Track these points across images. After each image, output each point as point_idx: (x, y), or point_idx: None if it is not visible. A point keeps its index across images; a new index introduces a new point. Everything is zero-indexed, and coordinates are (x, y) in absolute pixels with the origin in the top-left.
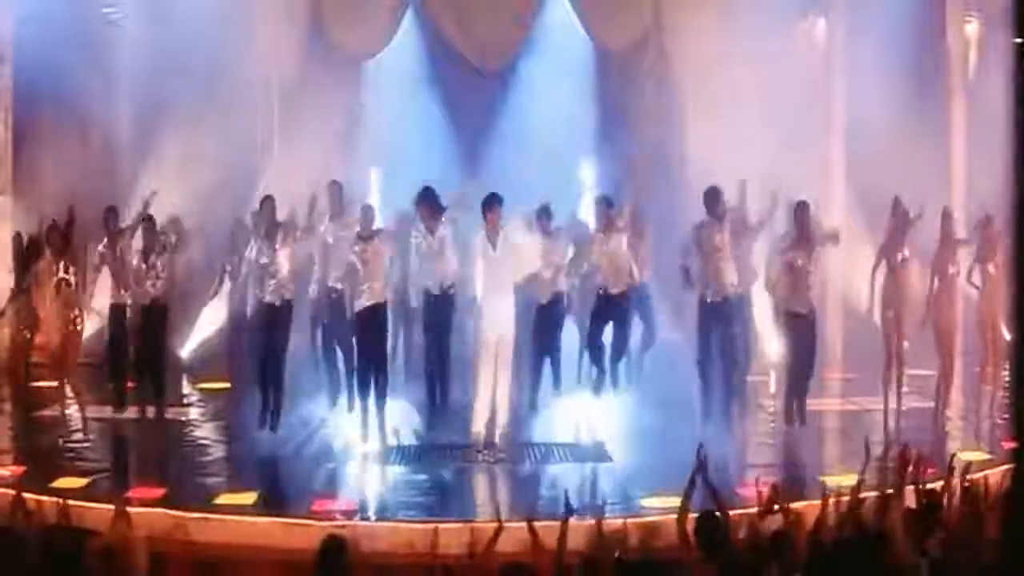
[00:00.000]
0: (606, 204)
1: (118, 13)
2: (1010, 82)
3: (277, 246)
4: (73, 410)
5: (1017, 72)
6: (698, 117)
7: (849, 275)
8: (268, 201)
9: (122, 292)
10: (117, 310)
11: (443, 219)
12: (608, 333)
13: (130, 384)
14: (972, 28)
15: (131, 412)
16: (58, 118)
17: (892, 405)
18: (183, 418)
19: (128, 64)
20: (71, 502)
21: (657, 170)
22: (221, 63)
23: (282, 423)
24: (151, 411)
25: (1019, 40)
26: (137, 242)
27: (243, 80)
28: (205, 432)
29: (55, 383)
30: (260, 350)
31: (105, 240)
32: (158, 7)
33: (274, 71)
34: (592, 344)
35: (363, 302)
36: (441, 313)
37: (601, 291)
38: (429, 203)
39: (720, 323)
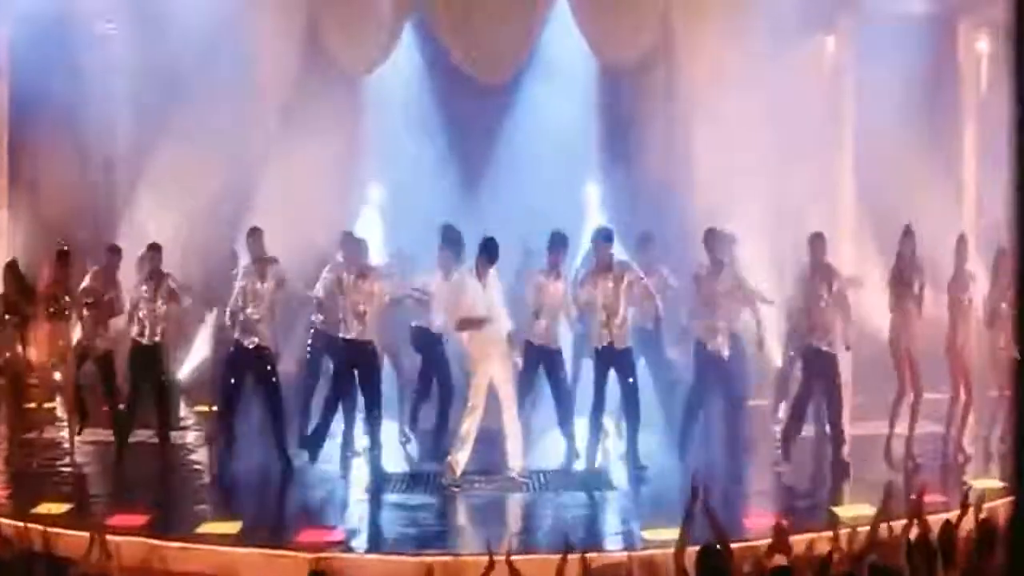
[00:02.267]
0: (604, 240)
1: (115, 28)
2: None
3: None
4: (63, 433)
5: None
6: (707, 137)
7: (859, 297)
8: (255, 233)
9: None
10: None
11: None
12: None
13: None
14: (983, 46)
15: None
16: (55, 133)
17: (901, 431)
18: (178, 441)
19: (124, 79)
20: (52, 529)
21: (664, 194)
22: (217, 78)
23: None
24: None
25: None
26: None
27: (238, 96)
28: (199, 456)
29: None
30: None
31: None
32: (155, 22)
33: (269, 86)
34: (594, 404)
35: (352, 335)
36: (438, 343)
37: (601, 346)
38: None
39: (719, 371)
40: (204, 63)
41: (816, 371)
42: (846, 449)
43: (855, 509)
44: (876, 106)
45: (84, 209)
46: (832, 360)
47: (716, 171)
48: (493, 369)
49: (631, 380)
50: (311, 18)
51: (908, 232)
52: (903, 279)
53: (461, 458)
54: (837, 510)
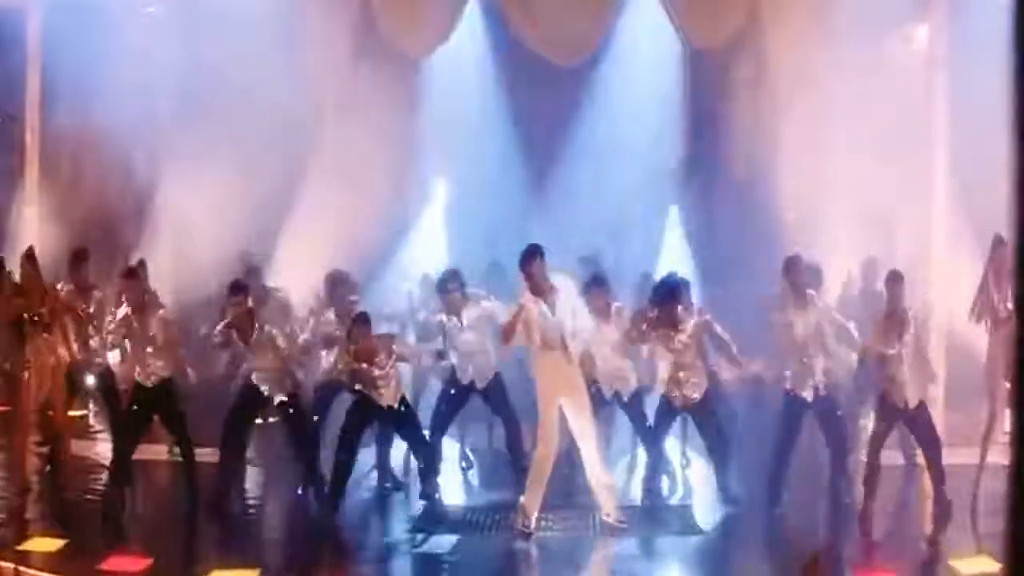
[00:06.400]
0: (668, 294)
1: (155, 11)
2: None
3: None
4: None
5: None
6: (793, 133)
7: (952, 307)
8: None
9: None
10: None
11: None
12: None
13: None
14: None
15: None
16: (90, 124)
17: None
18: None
19: (166, 68)
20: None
21: (749, 199)
22: (263, 63)
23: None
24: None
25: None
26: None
27: (287, 82)
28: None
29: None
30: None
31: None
32: (198, 8)
33: (320, 71)
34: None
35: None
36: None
37: (670, 399)
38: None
39: (815, 418)
40: (249, 50)
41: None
42: (946, 487)
43: (978, 564)
44: (971, 97)
45: (119, 207)
46: (923, 408)
47: (803, 171)
48: (562, 399)
49: (711, 427)
50: None
51: (999, 241)
52: (991, 295)
53: (534, 502)
54: (956, 564)
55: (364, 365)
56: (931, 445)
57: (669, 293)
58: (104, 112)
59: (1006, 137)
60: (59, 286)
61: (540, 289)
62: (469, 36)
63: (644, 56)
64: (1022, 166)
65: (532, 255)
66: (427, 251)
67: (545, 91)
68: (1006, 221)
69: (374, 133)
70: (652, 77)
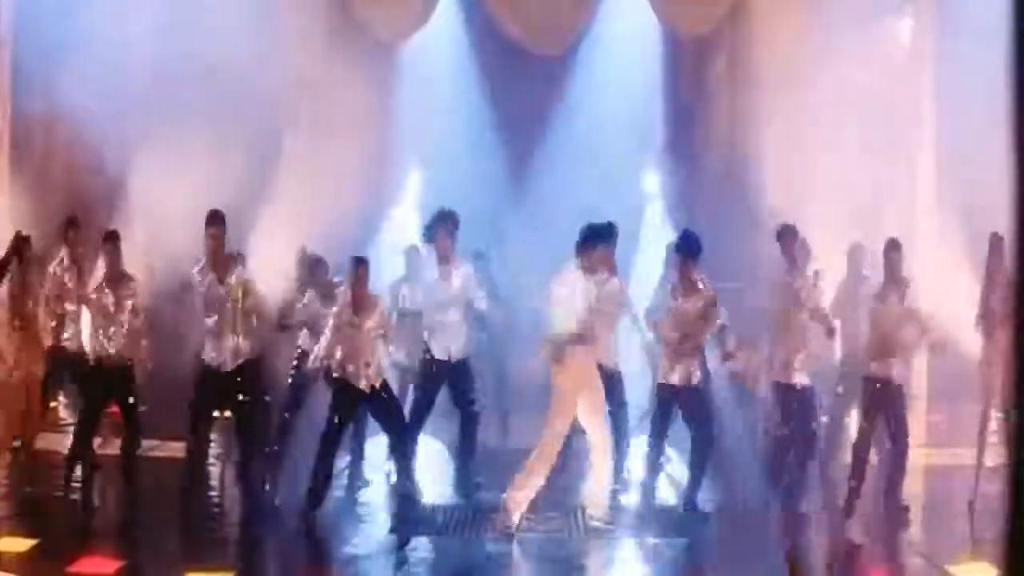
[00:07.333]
0: (688, 248)
1: None
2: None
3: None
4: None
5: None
6: (775, 126)
7: (939, 300)
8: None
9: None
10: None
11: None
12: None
13: None
14: None
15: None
16: (62, 109)
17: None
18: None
19: (138, 49)
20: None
21: (729, 186)
22: (238, 47)
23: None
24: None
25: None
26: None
27: (259, 67)
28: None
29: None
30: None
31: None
32: None
33: (293, 57)
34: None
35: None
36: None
37: (662, 382)
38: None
39: (802, 410)
40: (223, 34)
41: (880, 404)
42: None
43: (975, 570)
44: (961, 88)
45: (91, 191)
46: (900, 392)
47: (784, 163)
48: (581, 396)
49: (701, 417)
50: None
51: (996, 242)
52: (993, 300)
53: (521, 498)
54: (953, 570)
55: (357, 318)
56: (902, 430)
57: (687, 248)
58: (76, 94)
59: (992, 131)
60: (60, 254)
61: (595, 269)
62: (446, 22)
63: (625, 44)
64: (1022, 163)
65: (595, 239)
66: (402, 238)
67: (524, 78)
68: (993, 217)
69: (350, 119)
70: (633, 65)
